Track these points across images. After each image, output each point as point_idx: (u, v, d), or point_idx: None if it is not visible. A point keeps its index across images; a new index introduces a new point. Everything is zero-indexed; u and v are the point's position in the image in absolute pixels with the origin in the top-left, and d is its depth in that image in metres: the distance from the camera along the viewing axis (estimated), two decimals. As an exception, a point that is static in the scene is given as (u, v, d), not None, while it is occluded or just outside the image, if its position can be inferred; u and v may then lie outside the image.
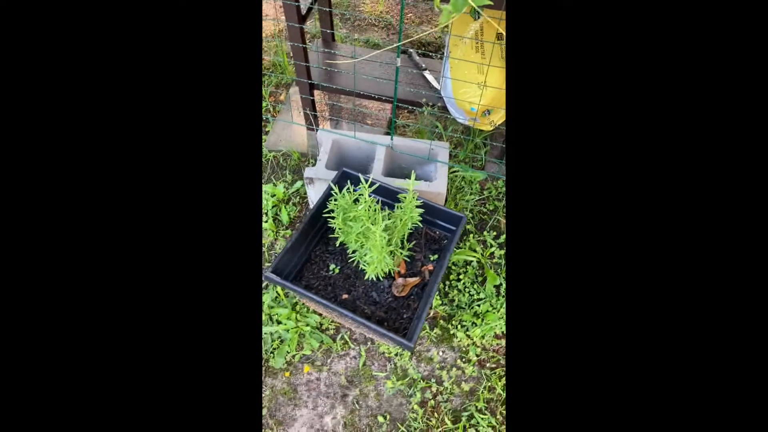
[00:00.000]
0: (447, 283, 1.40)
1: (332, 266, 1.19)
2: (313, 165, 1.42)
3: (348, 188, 1.09)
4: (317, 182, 1.37)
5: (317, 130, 1.47)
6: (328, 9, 1.56)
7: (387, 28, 2.21)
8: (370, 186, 1.27)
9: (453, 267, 1.42)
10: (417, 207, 1.12)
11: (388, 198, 1.26)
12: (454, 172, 1.62)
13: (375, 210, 1.00)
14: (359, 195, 1.01)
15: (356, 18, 2.25)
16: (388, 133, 1.69)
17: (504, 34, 1.38)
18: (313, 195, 1.43)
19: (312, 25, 2.16)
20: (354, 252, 1.11)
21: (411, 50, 1.71)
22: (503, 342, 1.30)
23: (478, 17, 1.40)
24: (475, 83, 1.31)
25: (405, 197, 1.06)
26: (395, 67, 1.17)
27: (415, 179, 1.54)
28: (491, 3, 0.64)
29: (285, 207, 1.55)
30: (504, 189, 1.59)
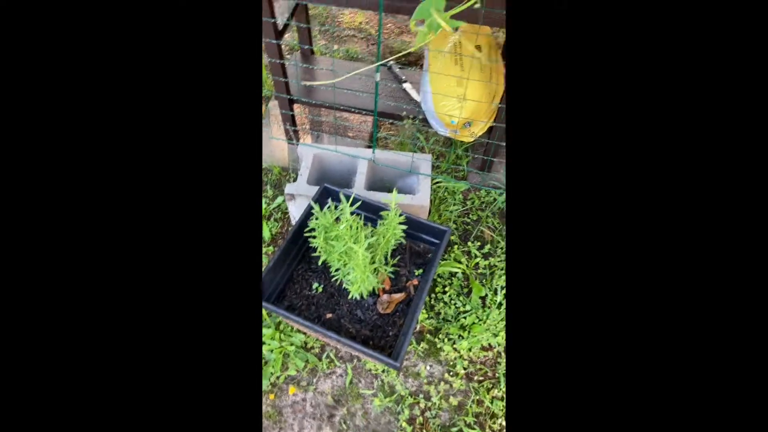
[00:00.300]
0: (433, 295, 1.39)
1: (315, 285, 1.17)
2: (294, 180, 1.41)
3: (329, 206, 1.08)
4: (299, 198, 1.35)
5: (298, 145, 1.46)
6: (306, 25, 1.55)
7: (367, 39, 2.21)
8: (351, 203, 1.26)
9: (438, 279, 1.42)
10: (400, 223, 1.11)
11: (372, 213, 1.25)
12: (437, 183, 1.61)
13: (357, 228, 0.99)
14: (340, 213, 1.00)
15: (335, 30, 2.24)
16: (370, 146, 1.68)
17: (481, 46, 1.39)
18: (295, 211, 1.41)
19: (291, 37, 2.15)
20: (337, 270, 1.10)
21: (391, 62, 1.70)
22: (490, 354, 1.30)
23: (457, 29, 1.41)
24: (455, 96, 1.31)
25: (388, 214, 1.05)
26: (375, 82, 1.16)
27: (399, 192, 1.54)
28: (463, 24, 0.64)
29: (266, 223, 1.53)
30: (487, 199, 1.60)
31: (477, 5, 0.87)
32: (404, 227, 1.09)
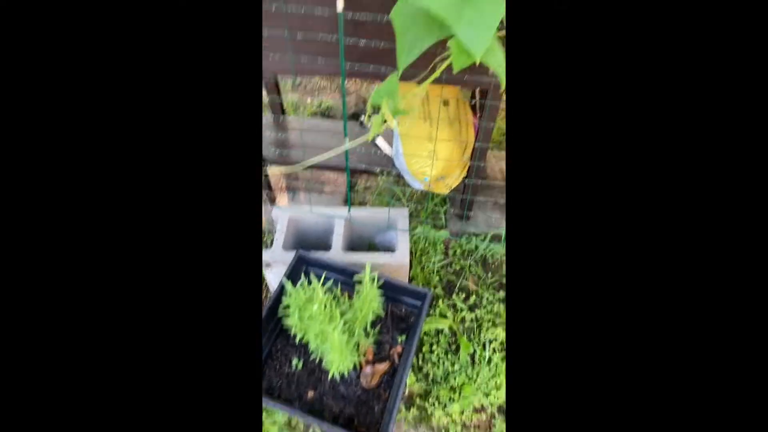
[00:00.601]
0: (420, 356, 1.34)
1: (295, 361, 1.13)
2: (270, 246, 1.37)
3: (302, 283, 1.05)
4: (275, 265, 1.31)
5: (272, 207, 1.43)
6: (275, 81, 1.56)
7: (339, 90, 2.22)
8: (327, 269, 1.22)
9: (425, 337, 1.37)
10: (380, 287, 1.08)
11: (350, 277, 1.22)
12: (417, 233, 1.59)
13: (332, 307, 0.96)
14: (313, 292, 0.96)
15: (307, 82, 2.26)
16: (347, 202, 1.66)
17: (449, 100, 1.40)
18: (273, 280, 1.37)
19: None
20: (317, 346, 1.05)
21: (362, 117, 1.71)
22: (483, 416, 1.25)
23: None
24: (426, 153, 1.30)
25: (365, 286, 1.02)
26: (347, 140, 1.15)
27: (378, 247, 1.51)
28: (407, 112, 0.63)
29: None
30: (468, 246, 1.58)
31: (450, 68, 0.87)
32: (381, 299, 1.06)
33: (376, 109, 0.67)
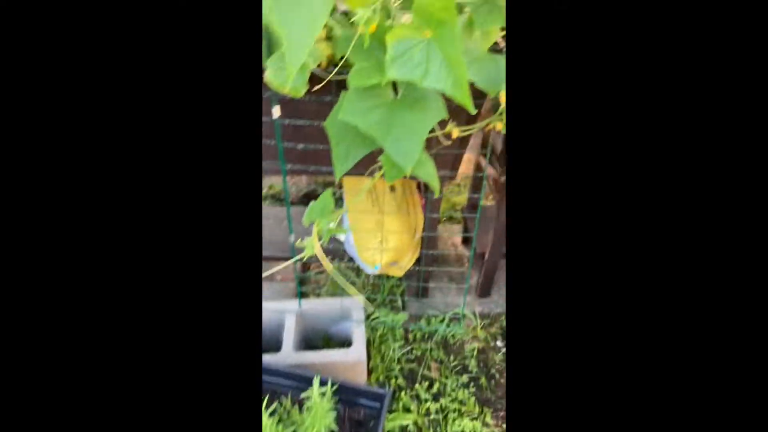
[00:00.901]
0: (384, 460, 1.24)
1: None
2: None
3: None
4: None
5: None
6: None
7: (291, 173, 2.22)
8: (276, 376, 1.13)
9: (389, 436, 1.28)
10: (334, 393, 1.00)
11: (302, 382, 1.13)
12: (375, 319, 1.54)
13: (279, 429, 0.87)
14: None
15: (257, 164, 2.25)
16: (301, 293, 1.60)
17: (395, 186, 1.41)
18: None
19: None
20: (264, 473, 0.94)
21: (312, 203, 1.69)
22: None
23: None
24: (376, 244, 1.29)
25: (313, 400, 0.94)
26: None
27: (333, 339, 1.43)
28: (344, 231, 0.62)
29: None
30: (428, 329, 1.53)
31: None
32: (333, 415, 0.98)
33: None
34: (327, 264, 0.73)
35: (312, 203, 0.74)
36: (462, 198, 2.00)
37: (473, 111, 0.61)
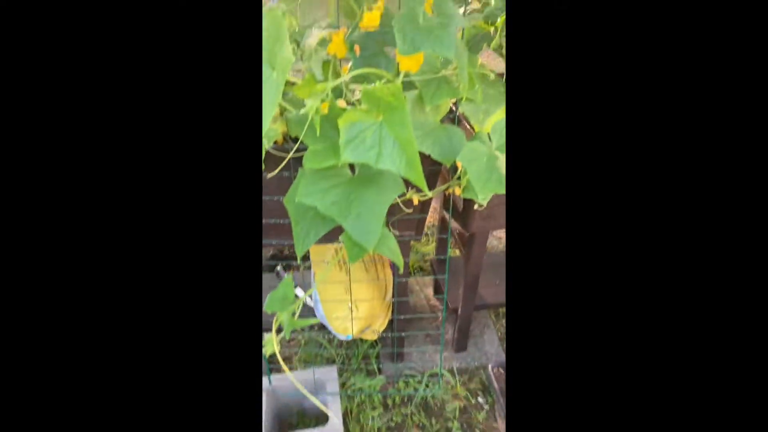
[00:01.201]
0: None
1: None
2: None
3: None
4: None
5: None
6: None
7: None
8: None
9: None
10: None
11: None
12: (351, 386, 1.47)
13: None
14: None
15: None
16: (271, 367, 1.53)
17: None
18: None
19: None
20: None
21: (278, 268, 1.66)
22: None
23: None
24: (346, 314, 1.26)
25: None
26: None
27: (306, 414, 1.36)
28: (308, 323, 0.60)
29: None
30: (407, 391, 1.47)
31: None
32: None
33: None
34: (285, 368, 0.69)
35: (272, 293, 0.71)
36: (430, 248, 2.00)
37: (428, 191, 0.62)
